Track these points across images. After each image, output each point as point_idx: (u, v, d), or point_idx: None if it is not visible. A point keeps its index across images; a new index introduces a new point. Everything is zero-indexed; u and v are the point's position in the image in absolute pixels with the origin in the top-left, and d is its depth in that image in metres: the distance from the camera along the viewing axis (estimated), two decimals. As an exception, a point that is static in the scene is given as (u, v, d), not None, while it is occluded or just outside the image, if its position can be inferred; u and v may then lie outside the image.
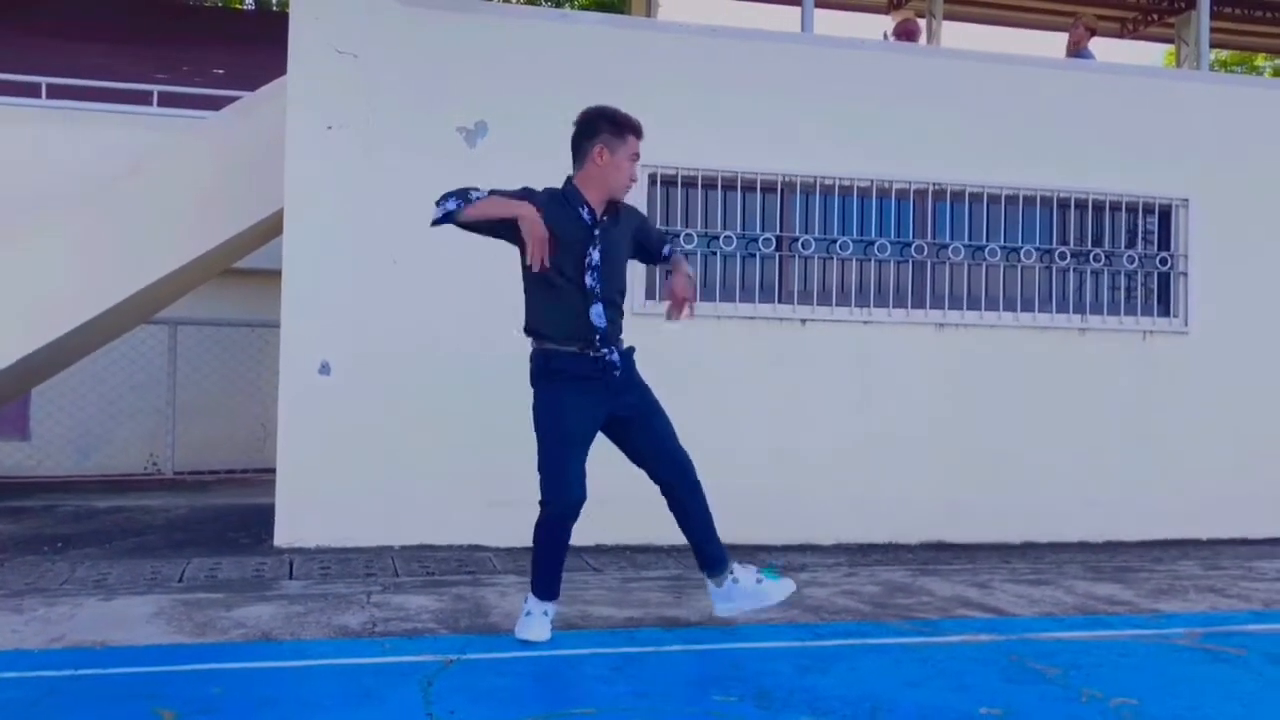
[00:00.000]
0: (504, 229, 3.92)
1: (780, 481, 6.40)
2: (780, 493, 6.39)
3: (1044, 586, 5.35)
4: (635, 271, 6.28)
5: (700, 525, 4.17)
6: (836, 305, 6.60)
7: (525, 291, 4.01)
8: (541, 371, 3.98)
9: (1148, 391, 7.03)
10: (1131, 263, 7.10)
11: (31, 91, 10.22)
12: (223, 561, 5.47)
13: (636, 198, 6.26)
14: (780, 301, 6.55)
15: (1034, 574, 5.71)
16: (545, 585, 4.06)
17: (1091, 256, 7.02)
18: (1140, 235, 7.20)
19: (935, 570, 5.73)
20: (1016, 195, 6.90)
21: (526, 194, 3.95)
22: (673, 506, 4.19)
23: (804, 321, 6.54)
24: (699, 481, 4.19)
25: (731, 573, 4.18)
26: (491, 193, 3.92)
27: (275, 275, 6.29)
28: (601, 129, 4.00)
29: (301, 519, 5.85)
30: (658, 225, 6.39)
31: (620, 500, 6.15)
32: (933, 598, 5.02)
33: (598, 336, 3.96)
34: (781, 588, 4.24)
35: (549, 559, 4.03)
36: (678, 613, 4.59)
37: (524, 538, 5.83)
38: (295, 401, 5.87)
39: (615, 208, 4.05)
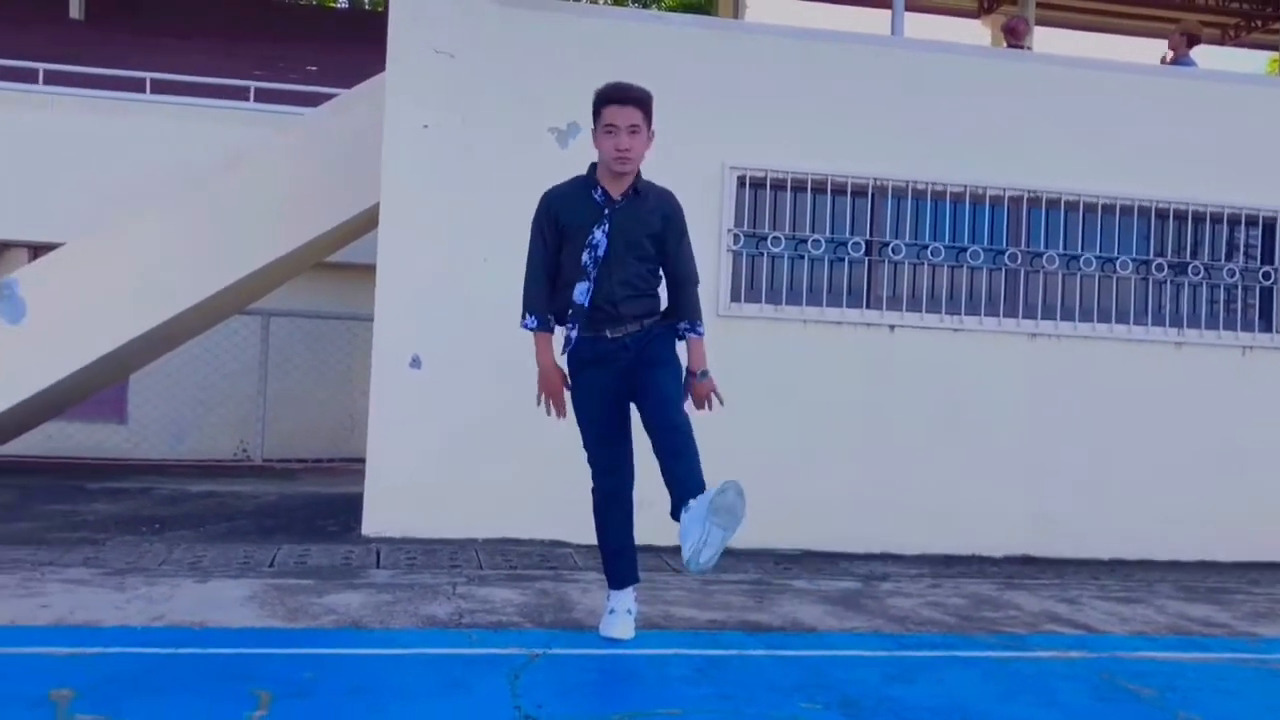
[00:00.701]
0: (559, 245, 3.93)
1: (863, 489, 6.35)
2: (863, 500, 6.34)
3: (1135, 605, 5.24)
4: (719, 270, 6.30)
5: (675, 476, 3.75)
6: (926, 312, 6.51)
7: None
8: (568, 358, 3.98)
9: (1246, 408, 6.82)
10: (1231, 276, 6.91)
11: (136, 86, 10.56)
12: (312, 548, 5.59)
13: (725, 199, 6.30)
14: (868, 307, 6.49)
15: (1124, 591, 5.59)
16: (609, 573, 4.08)
17: (1190, 269, 6.84)
18: (1241, 248, 7.00)
19: (1022, 584, 5.64)
20: (1113, 205, 6.75)
21: (546, 197, 3.97)
22: (661, 464, 3.82)
23: (892, 328, 6.48)
24: (689, 441, 3.80)
25: (686, 509, 3.66)
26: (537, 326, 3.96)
27: (366, 269, 6.42)
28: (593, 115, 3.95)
29: (388, 509, 5.95)
30: (745, 227, 6.38)
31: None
32: (1020, 612, 4.94)
33: (584, 316, 3.87)
34: (711, 492, 3.59)
35: (602, 544, 4.06)
36: (760, 617, 4.58)
37: (606, 536, 5.94)
38: (386, 394, 5.98)
39: (637, 190, 3.92)
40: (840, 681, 3.65)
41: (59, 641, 3.70)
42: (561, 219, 3.91)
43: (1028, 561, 6.38)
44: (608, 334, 3.89)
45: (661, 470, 3.78)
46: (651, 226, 3.92)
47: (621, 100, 3.85)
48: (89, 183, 9.36)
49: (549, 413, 4.00)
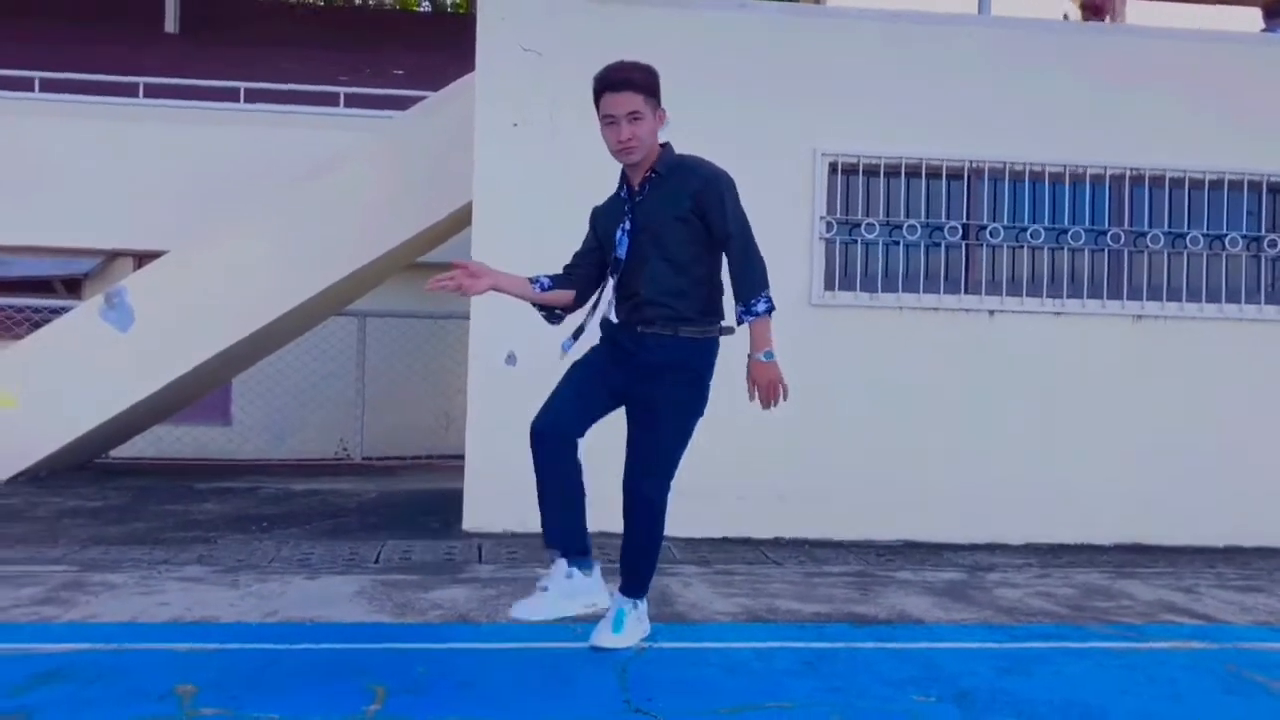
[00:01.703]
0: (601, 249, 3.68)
1: (965, 478, 6.23)
2: (966, 490, 6.22)
3: (1256, 594, 5.05)
4: (812, 259, 6.23)
5: (623, 557, 3.74)
6: (1027, 296, 6.36)
7: None
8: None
9: (1368, 388, 6.54)
10: (1350, 250, 6.62)
11: (231, 96, 10.83)
12: (415, 544, 5.67)
13: (817, 186, 6.22)
14: (967, 292, 6.36)
15: (1243, 580, 5.39)
16: (545, 528, 3.59)
17: (1304, 244, 6.57)
18: (1359, 221, 6.70)
19: (1134, 573, 5.48)
20: (1220, 179, 6.50)
21: (591, 214, 3.78)
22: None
23: (992, 313, 6.34)
24: (634, 524, 3.68)
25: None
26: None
27: (460, 269, 6.47)
28: None
29: (488, 505, 6.01)
30: (838, 214, 6.30)
31: (796, 495, 6.15)
32: (1134, 601, 4.80)
33: (622, 316, 3.58)
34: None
35: (542, 496, 3.55)
36: (865, 609, 4.52)
37: (703, 527, 5.92)
38: (483, 391, 6.04)
39: (656, 171, 3.54)
40: (953, 674, 3.58)
41: (179, 638, 3.80)
42: (600, 231, 3.68)
43: (1138, 549, 6.20)
44: (639, 329, 3.53)
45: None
46: (679, 208, 3.47)
47: (617, 86, 3.46)
48: (190, 191, 9.64)
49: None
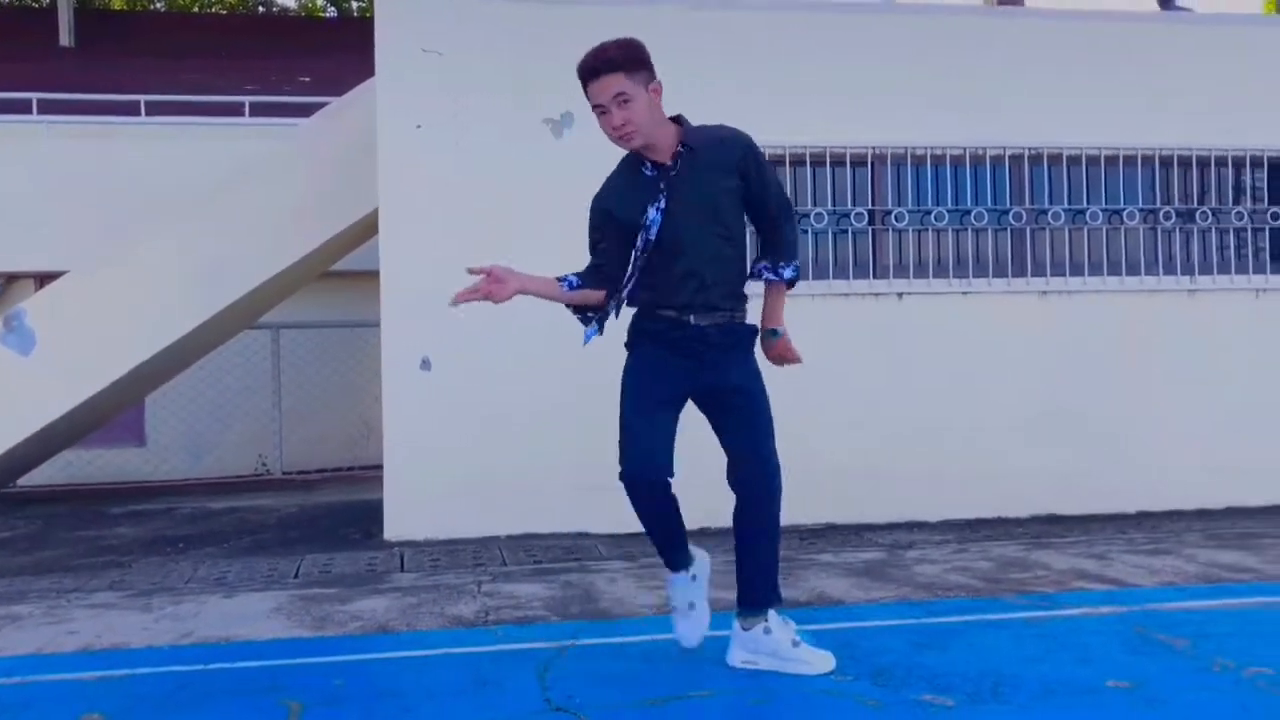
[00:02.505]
0: (620, 237, 3.41)
1: (883, 459, 6.32)
2: (883, 470, 6.31)
3: (1164, 556, 5.20)
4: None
5: (748, 556, 3.63)
6: (934, 278, 6.47)
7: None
8: (630, 334, 3.48)
9: (1263, 351, 6.76)
10: (1240, 219, 6.84)
11: (130, 110, 10.57)
12: (335, 557, 5.59)
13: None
14: (875, 277, 6.45)
15: (1152, 544, 5.54)
16: (663, 557, 3.68)
17: (1198, 215, 6.77)
18: (1248, 190, 6.92)
19: (1049, 544, 5.60)
20: (1116, 155, 6.68)
21: (593, 201, 3.47)
22: (734, 518, 3.66)
23: (900, 296, 6.44)
24: (767, 505, 3.63)
25: (766, 621, 3.55)
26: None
27: (371, 276, 6.41)
28: None
29: (409, 512, 5.95)
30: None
31: (720, 484, 6.16)
32: (1048, 571, 4.90)
33: (680, 304, 3.36)
34: (821, 660, 3.46)
35: (648, 532, 3.62)
36: (786, 593, 4.46)
37: (628, 523, 5.91)
38: (398, 398, 5.98)
39: (688, 145, 3.32)
40: (870, 652, 3.63)
41: (87, 666, 3.70)
42: (618, 214, 3.38)
43: (1053, 520, 6.34)
44: (691, 319, 3.35)
45: (736, 539, 3.63)
46: (728, 179, 3.32)
47: (596, 72, 3.28)
48: (90, 209, 9.39)
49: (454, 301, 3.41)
